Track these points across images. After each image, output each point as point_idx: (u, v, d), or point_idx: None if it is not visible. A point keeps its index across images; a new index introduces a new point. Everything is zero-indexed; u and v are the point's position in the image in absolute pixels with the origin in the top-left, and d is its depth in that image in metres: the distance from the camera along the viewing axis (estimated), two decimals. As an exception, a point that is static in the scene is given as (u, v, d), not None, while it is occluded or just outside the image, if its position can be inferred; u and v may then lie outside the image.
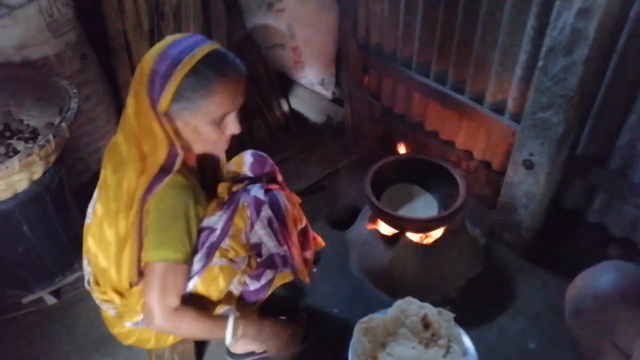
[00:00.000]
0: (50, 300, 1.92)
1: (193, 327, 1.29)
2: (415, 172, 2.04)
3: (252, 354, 1.71)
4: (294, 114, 2.70)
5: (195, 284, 1.33)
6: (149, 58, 1.15)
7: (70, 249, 1.88)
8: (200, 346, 1.76)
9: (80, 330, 1.84)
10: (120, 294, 1.31)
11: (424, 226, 1.85)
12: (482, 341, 1.70)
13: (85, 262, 1.40)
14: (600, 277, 1.16)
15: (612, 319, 1.12)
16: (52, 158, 1.60)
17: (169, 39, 1.19)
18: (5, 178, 1.46)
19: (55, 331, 1.84)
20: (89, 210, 1.37)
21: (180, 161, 1.21)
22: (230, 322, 1.35)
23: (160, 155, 1.18)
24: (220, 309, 1.40)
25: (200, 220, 1.28)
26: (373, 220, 2.02)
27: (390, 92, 2.48)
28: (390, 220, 1.86)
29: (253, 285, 1.45)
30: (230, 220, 1.34)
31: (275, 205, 1.39)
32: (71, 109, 1.62)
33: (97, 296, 1.37)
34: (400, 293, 1.78)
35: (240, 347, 1.69)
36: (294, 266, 1.44)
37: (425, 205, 2.00)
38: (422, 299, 1.73)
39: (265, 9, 2.26)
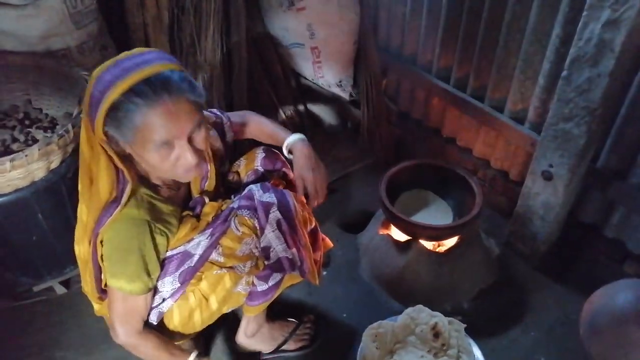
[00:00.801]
0: (60, 289, 1.93)
1: (151, 352, 1.33)
2: (431, 179, 2.01)
3: (259, 354, 1.71)
4: (309, 114, 2.68)
5: (169, 307, 1.34)
6: (90, 80, 1.11)
7: (82, 239, 1.89)
8: (205, 347, 1.75)
9: (88, 320, 1.84)
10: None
11: (438, 234, 1.82)
12: (492, 353, 1.68)
13: None
14: (618, 296, 1.14)
15: (628, 339, 1.10)
16: (70, 148, 1.60)
17: (115, 58, 1.12)
18: (25, 166, 1.47)
19: (64, 320, 1.85)
20: None
21: (129, 190, 1.17)
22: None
23: (103, 185, 1.16)
24: (183, 344, 1.48)
25: (164, 247, 1.27)
26: (386, 225, 2.00)
27: (408, 96, 2.46)
28: (404, 226, 1.84)
29: (261, 287, 1.46)
30: (211, 247, 1.30)
31: (284, 207, 1.36)
32: (90, 100, 1.62)
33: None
34: (410, 301, 1.76)
35: (249, 347, 1.69)
36: (303, 268, 1.43)
37: (439, 213, 1.97)
38: (432, 308, 1.71)
39: (286, 7, 2.24)
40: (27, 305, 1.89)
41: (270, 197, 1.35)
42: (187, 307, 1.36)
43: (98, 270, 1.29)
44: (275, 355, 1.71)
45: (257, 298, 1.49)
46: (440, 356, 1.62)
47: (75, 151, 1.69)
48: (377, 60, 2.39)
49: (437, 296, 1.87)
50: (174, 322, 1.38)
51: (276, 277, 1.46)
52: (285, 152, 1.54)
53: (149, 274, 1.23)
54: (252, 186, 1.39)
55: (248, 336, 1.66)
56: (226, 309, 1.43)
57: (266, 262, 1.40)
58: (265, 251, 1.38)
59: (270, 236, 1.36)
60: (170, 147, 1.14)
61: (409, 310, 1.72)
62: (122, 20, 2.23)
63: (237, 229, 1.31)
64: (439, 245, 1.91)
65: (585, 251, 1.97)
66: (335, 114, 2.64)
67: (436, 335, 1.66)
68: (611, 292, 1.16)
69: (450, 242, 1.90)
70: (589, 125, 1.57)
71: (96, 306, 1.47)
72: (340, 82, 2.46)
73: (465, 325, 1.69)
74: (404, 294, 1.89)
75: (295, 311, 1.84)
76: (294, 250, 1.39)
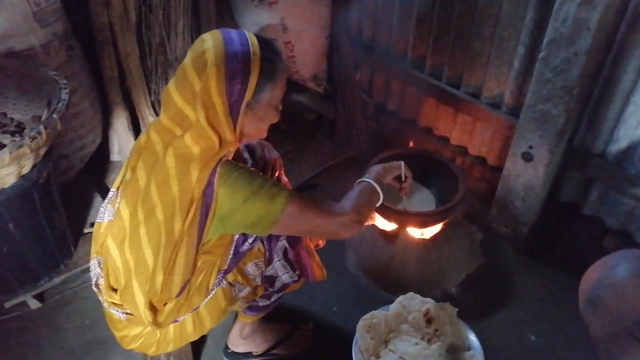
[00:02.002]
0: (34, 304, 1.83)
1: (367, 202, 1.30)
2: (412, 167, 2.01)
3: (249, 355, 1.66)
4: (285, 110, 2.66)
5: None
6: (214, 61, 1.08)
7: (56, 249, 1.80)
8: (197, 348, 1.69)
9: (68, 335, 1.76)
10: (153, 308, 1.20)
11: (424, 221, 1.82)
12: (483, 335, 1.68)
13: (94, 263, 1.31)
14: (618, 266, 1.14)
15: (630, 308, 1.11)
16: (42, 151, 1.52)
17: (208, 40, 1.11)
18: (-7, 172, 1.37)
19: (41, 337, 1.75)
20: (106, 209, 1.29)
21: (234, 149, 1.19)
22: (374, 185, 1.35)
23: (225, 152, 1.14)
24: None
25: None
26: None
27: (383, 88, 2.46)
28: (390, 216, 1.83)
29: (263, 302, 1.47)
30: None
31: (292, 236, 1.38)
32: (62, 99, 1.54)
33: (105, 299, 1.29)
34: (399, 290, 1.75)
35: (241, 347, 1.64)
36: (308, 277, 1.46)
37: (423, 200, 1.97)
38: (422, 295, 1.71)
39: (257, 1, 2.21)
40: (-2, 323, 1.78)
41: None
42: (184, 329, 1.33)
43: (197, 244, 1.17)
44: (266, 358, 1.67)
45: (257, 310, 1.51)
46: (434, 342, 1.62)
47: (48, 155, 1.61)
48: (351, 53, 2.39)
49: (426, 283, 1.87)
50: (170, 334, 1.33)
51: (279, 294, 1.49)
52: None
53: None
54: None
55: (242, 338, 1.62)
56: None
57: (270, 289, 1.43)
58: (271, 279, 1.41)
59: (277, 265, 1.40)
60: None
61: (401, 298, 1.71)
62: (86, 19, 2.15)
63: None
64: (424, 233, 1.91)
65: (566, 230, 2.01)
66: (311, 109, 2.63)
67: (429, 321, 1.66)
68: (610, 263, 1.17)
69: (436, 229, 1.91)
70: (567, 104, 1.61)
71: (116, 315, 1.30)
72: (314, 76, 2.44)
73: (456, 310, 1.70)
74: (392, 283, 1.88)
75: (289, 311, 1.81)
76: (298, 272, 1.44)
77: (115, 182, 1.29)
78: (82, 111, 2.08)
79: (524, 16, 1.72)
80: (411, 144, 2.08)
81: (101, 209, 1.30)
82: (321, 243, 1.68)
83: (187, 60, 1.12)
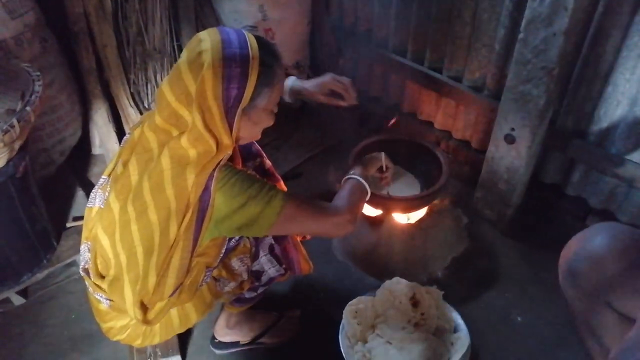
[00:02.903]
0: (18, 300, 1.80)
1: (358, 200, 1.36)
2: (396, 153, 2.01)
3: (236, 344, 1.66)
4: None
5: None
6: (211, 63, 1.05)
7: (37, 244, 1.77)
8: (184, 338, 1.69)
9: (53, 330, 1.74)
10: (143, 306, 1.18)
11: (409, 205, 1.82)
12: (470, 317, 1.70)
13: (84, 248, 1.29)
14: (594, 238, 1.16)
15: (607, 278, 1.12)
16: (17, 145, 1.49)
17: (206, 40, 1.09)
18: (-34, 167, 1.34)
19: (25, 333, 1.73)
20: (97, 194, 1.26)
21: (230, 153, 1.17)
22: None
23: (222, 156, 1.13)
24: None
25: None
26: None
27: (365, 74, 2.45)
28: (374, 201, 1.82)
29: (249, 294, 1.46)
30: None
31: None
32: (35, 92, 1.51)
33: (90, 283, 1.27)
34: (386, 275, 1.76)
35: (227, 336, 1.64)
36: (295, 271, 1.45)
37: (407, 185, 1.97)
38: (408, 280, 1.72)
39: (236, -11, 2.18)
40: (-19, 320, 1.76)
41: None
42: (170, 322, 1.33)
43: (193, 247, 1.15)
44: (253, 346, 1.67)
45: (243, 302, 1.50)
46: (421, 325, 1.63)
47: (23, 149, 1.58)
48: (332, 39, 2.37)
49: (412, 268, 1.88)
50: (155, 327, 1.33)
51: (266, 287, 1.49)
52: (287, 97, 1.55)
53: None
54: None
55: (229, 327, 1.62)
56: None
57: (257, 283, 1.42)
58: (257, 274, 1.41)
59: (263, 260, 1.39)
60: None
61: (387, 283, 1.71)
62: (60, 10, 2.10)
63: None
64: (410, 218, 1.91)
65: (550, 211, 2.02)
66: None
67: (415, 305, 1.67)
68: (587, 236, 1.18)
69: (421, 213, 1.91)
70: (547, 85, 1.60)
71: (101, 305, 1.28)
72: (297, 63, 2.42)
73: (442, 293, 1.71)
74: (379, 269, 1.88)
75: (275, 299, 1.80)
76: (284, 266, 1.43)
77: (106, 169, 1.27)
78: (60, 104, 2.05)
79: (504, -3, 1.71)
80: (392, 121, 2.05)
81: (92, 194, 1.29)
82: (308, 236, 1.68)
83: (183, 60, 1.09)
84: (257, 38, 1.12)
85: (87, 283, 1.30)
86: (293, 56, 2.41)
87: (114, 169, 1.23)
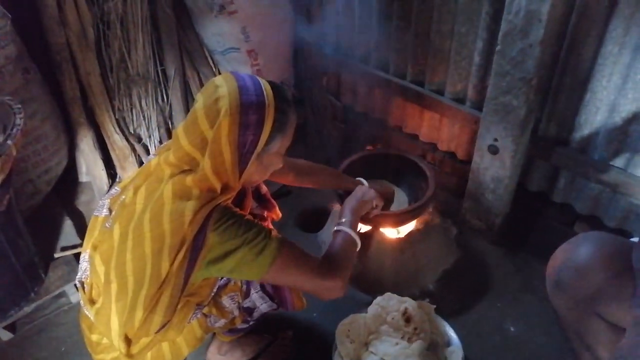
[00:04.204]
0: (5, 335, 1.78)
1: (349, 259, 1.36)
2: (383, 168, 2.02)
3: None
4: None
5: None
6: (228, 109, 1.06)
7: (24, 277, 1.75)
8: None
9: (43, 364, 1.72)
10: (127, 340, 1.16)
11: (397, 220, 1.82)
12: (463, 329, 1.70)
13: (85, 256, 1.28)
14: (579, 248, 1.17)
15: (594, 288, 1.13)
16: (-1, 179, 1.48)
17: (222, 86, 1.10)
18: (-53, 204, 1.33)
19: (15, 368, 1.71)
20: (105, 203, 1.27)
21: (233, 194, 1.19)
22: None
23: (224, 199, 1.14)
24: None
25: None
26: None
27: (350, 90, 2.47)
28: (363, 217, 1.83)
29: (241, 326, 1.46)
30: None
31: None
32: (17, 125, 1.51)
33: (83, 298, 1.25)
34: (377, 290, 1.76)
35: (219, 361, 1.62)
36: (289, 308, 1.44)
37: (396, 200, 1.98)
38: (400, 294, 1.71)
39: (217, 11, 2.19)
40: (-31, 358, 1.73)
41: None
42: (161, 356, 1.31)
43: (183, 286, 1.13)
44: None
45: (235, 332, 1.50)
46: (414, 340, 1.62)
47: (6, 182, 1.57)
48: (316, 57, 2.39)
49: (404, 282, 1.87)
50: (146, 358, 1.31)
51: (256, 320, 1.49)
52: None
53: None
54: None
55: (221, 354, 1.61)
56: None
57: (248, 318, 1.42)
58: (249, 310, 1.40)
59: (255, 297, 1.39)
60: None
61: (378, 299, 1.71)
62: (42, 40, 2.10)
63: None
64: (399, 232, 1.92)
65: (537, 219, 2.03)
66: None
67: (407, 320, 1.66)
68: (573, 246, 1.19)
69: (410, 227, 1.91)
70: (527, 95, 1.62)
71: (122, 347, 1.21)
72: (281, 82, 2.43)
73: (434, 307, 1.70)
74: (370, 284, 1.88)
75: (267, 321, 1.78)
76: (276, 301, 1.42)
77: (122, 182, 1.28)
78: (44, 134, 2.04)
79: (480, 11, 1.74)
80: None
81: (100, 202, 1.29)
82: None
83: (199, 105, 1.10)
84: (271, 84, 1.14)
85: (80, 296, 1.28)
86: (277, 75, 2.42)
87: (127, 185, 1.24)
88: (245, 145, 1.09)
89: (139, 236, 1.10)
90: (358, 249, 1.43)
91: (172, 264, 1.08)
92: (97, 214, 1.28)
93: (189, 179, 1.10)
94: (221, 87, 1.09)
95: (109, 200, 1.27)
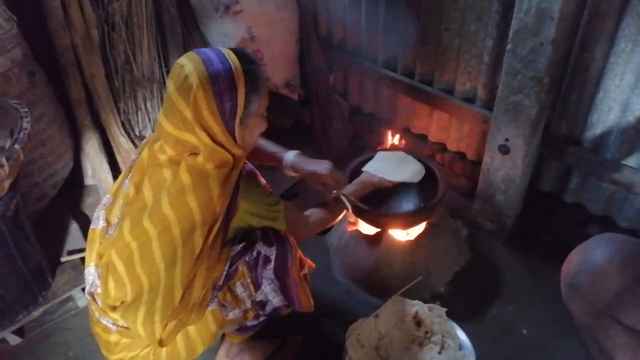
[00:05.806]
0: (14, 340, 1.77)
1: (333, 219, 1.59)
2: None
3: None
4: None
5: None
6: (199, 84, 1.10)
7: (32, 281, 1.74)
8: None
9: (51, 368, 1.71)
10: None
11: (406, 221, 1.80)
12: (475, 332, 1.67)
13: (88, 271, 1.28)
14: (595, 251, 1.14)
15: (610, 291, 1.11)
16: (7, 184, 1.47)
17: (187, 64, 1.13)
18: (-46, 208, 1.32)
19: (23, 372, 1.70)
20: (100, 215, 1.29)
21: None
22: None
23: (239, 167, 1.21)
24: None
25: None
26: (353, 221, 1.96)
27: (357, 90, 2.44)
28: (372, 219, 1.81)
29: (251, 323, 1.45)
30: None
31: (281, 261, 1.37)
32: (23, 129, 1.50)
33: (97, 309, 1.26)
34: (388, 293, 1.73)
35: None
36: (295, 306, 1.45)
37: (404, 202, 1.95)
38: (411, 297, 1.69)
39: (222, 11, 2.17)
40: (-23, 363, 1.73)
41: (269, 251, 1.34)
42: (176, 353, 1.32)
43: (217, 257, 1.23)
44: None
45: (245, 330, 1.48)
46: (425, 344, 1.60)
47: (14, 187, 1.56)
48: (321, 56, 2.37)
49: (414, 285, 1.85)
50: (162, 358, 1.32)
51: (268, 316, 1.48)
52: (287, 171, 1.67)
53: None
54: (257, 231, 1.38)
55: (230, 358, 1.59)
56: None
57: (260, 312, 1.42)
58: (262, 304, 1.41)
59: (267, 290, 1.39)
60: None
61: (389, 302, 1.69)
62: (47, 43, 2.09)
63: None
64: (408, 234, 1.89)
65: (549, 220, 2.01)
66: (287, 116, 2.60)
67: (418, 324, 1.64)
68: (588, 249, 1.17)
69: (419, 228, 1.89)
70: (538, 94, 1.60)
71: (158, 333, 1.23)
72: (287, 82, 2.42)
73: (445, 310, 1.68)
74: (380, 287, 1.85)
75: (277, 325, 1.76)
76: (288, 296, 1.44)
77: (111, 189, 1.31)
78: (50, 137, 2.03)
79: (490, 9, 1.71)
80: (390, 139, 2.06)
81: (95, 214, 1.31)
82: (307, 269, 1.64)
83: (171, 89, 1.13)
84: (233, 50, 1.18)
85: (92, 308, 1.28)
86: (283, 75, 2.40)
87: (119, 187, 1.27)
88: (226, 113, 1.13)
89: (162, 222, 1.14)
90: (348, 211, 1.63)
91: (206, 238, 1.15)
92: (94, 226, 1.30)
93: (199, 158, 1.14)
94: (186, 65, 1.13)
95: (103, 211, 1.29)
